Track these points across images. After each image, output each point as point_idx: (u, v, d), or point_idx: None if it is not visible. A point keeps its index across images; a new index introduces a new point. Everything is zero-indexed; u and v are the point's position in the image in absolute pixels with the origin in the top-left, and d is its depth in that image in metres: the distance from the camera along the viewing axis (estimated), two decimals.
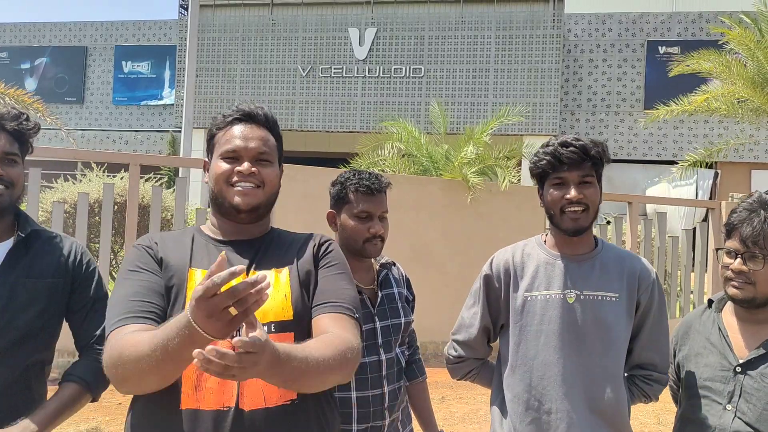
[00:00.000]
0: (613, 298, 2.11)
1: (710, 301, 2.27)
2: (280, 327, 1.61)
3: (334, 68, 20.71)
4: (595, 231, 8.98)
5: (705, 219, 11.24)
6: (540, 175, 2.17)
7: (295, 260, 1.73)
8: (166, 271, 1.65)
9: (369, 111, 20.36)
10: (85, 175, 8.85)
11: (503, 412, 2.20)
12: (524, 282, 2.17)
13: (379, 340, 2.31)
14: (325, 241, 1.82)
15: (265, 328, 1.53)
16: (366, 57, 20.58)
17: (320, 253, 1.78)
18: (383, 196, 2.41)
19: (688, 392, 2.19)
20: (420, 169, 9.36)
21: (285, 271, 1.70)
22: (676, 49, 20.01)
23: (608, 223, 8.90)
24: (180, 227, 5.98)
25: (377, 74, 20.49)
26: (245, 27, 21.28)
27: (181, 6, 21.88)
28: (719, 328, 2.16)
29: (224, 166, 1.71)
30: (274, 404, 1.56)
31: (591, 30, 21.45)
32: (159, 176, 10.25)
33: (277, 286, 1.66)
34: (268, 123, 1.81)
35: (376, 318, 2.33)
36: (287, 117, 20.61)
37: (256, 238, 1.78)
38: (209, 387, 1.54)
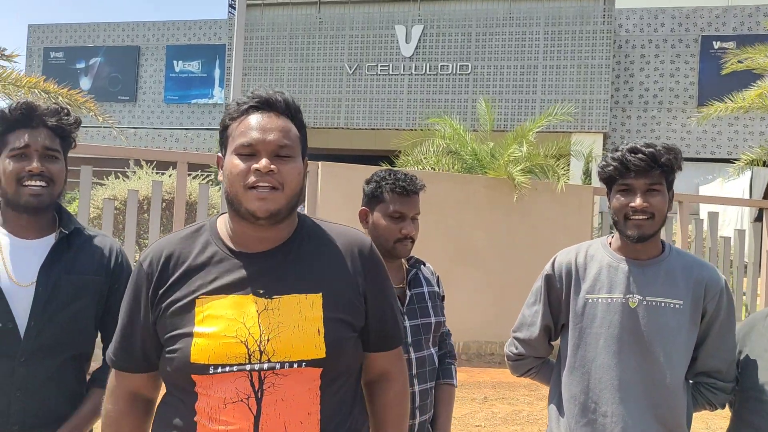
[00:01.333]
0: (677, 306, 2.07)
1: None
2: (310, 364, 1.46)
3: (381, 66, 20.72)
4: None
5: (758, 219, 10.87)
6: (607, 180, 2.13)
7: (332, 282, 1.54)
8: (167, 294, 1.52)
9: (415, 108, 20.32)
10: (134, 172, 9.05)
11: (560, 411, 2.20)
12: (586, 284, 2.15)
13: (409, 339, 2.30)
14: (370, 252, 1.63)
15: (295, 365, 1.44)
16: (412, 54, 20.53)
17: (368, 270, 1.59)
18: (417, 197, 2.39)
19: (744, 395, 2.15)
20: (464, 166, 9.29)
21: (318, 299, 1.50)
22: (731, 44, 19.39)
23: None
24: None
25: (423, 71, 20.43)
26: (293, 26, 21.46)
27: (230, 5, 22.20)
28: None
29: (239, 163, 1.49)
30: None
31: (643, 25, 20.98)
32: (206, 174, 10.41)
33: (308, 317, 1.48)
34: (290, 111, 1.57)
35: (405, 317, 2.32)
36: (333, 115, 20.73)
37: (278, 247, 1.55)
38: (224, 419, 1.43)
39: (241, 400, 1.42)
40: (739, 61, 11.49)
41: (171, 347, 1.48)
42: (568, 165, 10.53)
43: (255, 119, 1.52)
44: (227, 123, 1.57)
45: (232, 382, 1.42)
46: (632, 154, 2.03)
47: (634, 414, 2.05)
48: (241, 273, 1.50)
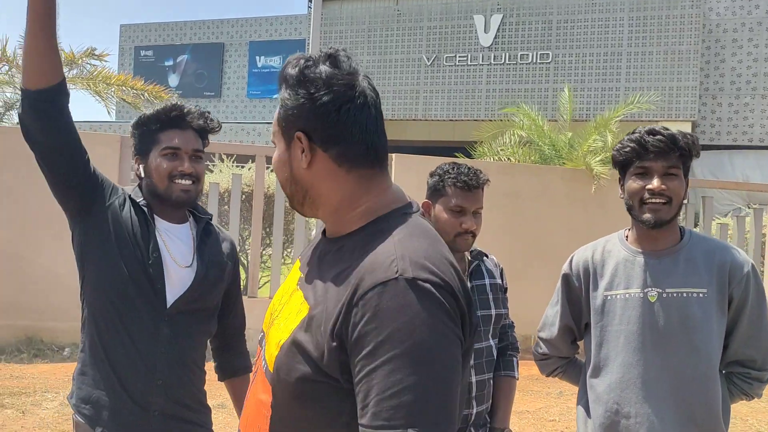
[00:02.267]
0: (701, 294, 1.97)
1: None
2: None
3: (459, 56, 20.58)
4: (733, 223, 8.40)
5: None
6: (622, 164, 2.06)
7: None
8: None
9: (494, 99, 20.08)
10: (216, 165, 9.35)
11: (587, 412, 2.14)
12: (604, 281, 2.09)
13: None
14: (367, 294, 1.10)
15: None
16: (491, 44, 20.28)
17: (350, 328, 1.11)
18: (480, 192, 2.38)
19: None
20: (542, 157, 9.13)
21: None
22: None
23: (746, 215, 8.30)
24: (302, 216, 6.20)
25: (503, 61, 20.15)
26: (371, 18, 21.58)
27: (309, 1, 22.53)
28: None
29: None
30: None
31: (735, 8, 19.97)
32: None
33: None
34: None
35: None
36: (412, 106, 20.75)
37: (347, 234, 1.25)
38: None
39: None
40: None
41: None
42: None
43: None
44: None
45: None
46: (651, 135, 1.97)
47: (661, 413, 1.97)
48: None
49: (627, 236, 2.14)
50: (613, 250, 2.13)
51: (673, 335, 1.98)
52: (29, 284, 6.21)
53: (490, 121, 11.14)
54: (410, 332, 1.04)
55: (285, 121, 1.26)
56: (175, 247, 2.06)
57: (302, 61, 1.29)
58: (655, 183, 1.97)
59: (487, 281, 2.44)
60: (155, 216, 2.06)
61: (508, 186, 7.57)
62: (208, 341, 2.21)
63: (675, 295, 1.99)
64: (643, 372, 2.00)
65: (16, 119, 12.17)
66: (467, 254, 2.47)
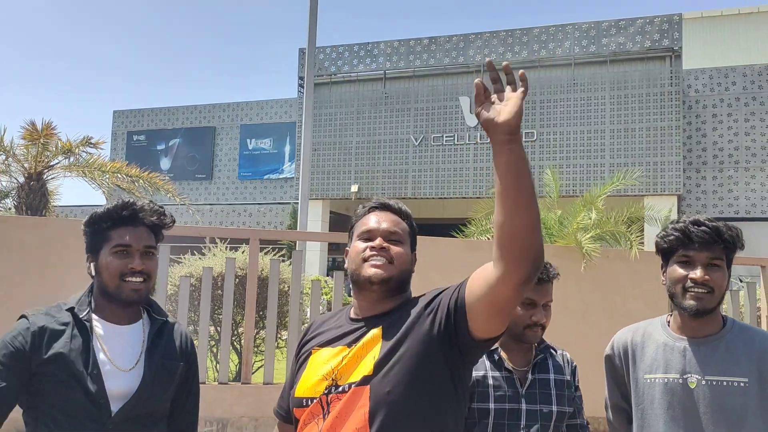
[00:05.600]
0: (742, 384, 1.94)
1: None
2: (360, 383, 1.69)
3: (446, 136, 21.01)
4: (728, 297, 8.41)
5: None
6: (665, 251, 2.08)
7: (409, 335, 1.76)
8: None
9: (482, 177, 20.38)
10: (209, 249, 9.35)
11: None
12: (644, 363, 2.09)
13: (522, 422, 2.27)
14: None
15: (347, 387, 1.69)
16: (477, 124, 20.74)
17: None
18: (550, 285, 2.42)
19: None
20: None
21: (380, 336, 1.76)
22: None
23: (740, 289, 8.32)
24: (296, 299, 6.16)
25: (489, 140, 20.56)
26: (360, 101, 22.10)
27: (299, 86, 23.09)
28: None
29: (360, 245, 1.83)
30: None
31: (713, 84, 20.65)
32: (278, 248, 10.64)
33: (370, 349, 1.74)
34: (401, 212, 1.91)
35: (523, 400, 2.29)
36: (401, 186, 21.00)
37: (386, 312, 1.81)
38: None
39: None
40: None
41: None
42: (642, 230, 10.28)
43: (374, 215, 1.90)
44: (353, 222, 1.93)
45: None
46: (696, 226, 2.00)
47: None
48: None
49: (669, 321, 2.15)
50: (654, 333, 2.12)
51: (713, 424, 1.95)
52: None
53: (480, 198, 11.28)
54: None
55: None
56: (119, 350, 2.01)
57: None
58: (698, 273, 1.98)
59: (551, 376, 2.39)
60: (98, 320, 2.03)
61: None
62: None
63: (715, 383, 1.97)
64: None
65: (10, 206, 12.20)
66: (534, 347, 2.45)
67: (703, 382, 1.97)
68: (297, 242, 10.63)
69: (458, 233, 10.57)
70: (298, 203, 19.06)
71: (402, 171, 21.29)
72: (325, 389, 1.72)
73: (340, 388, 1.69)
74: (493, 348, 2.36)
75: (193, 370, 2.19)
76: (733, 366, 1.97)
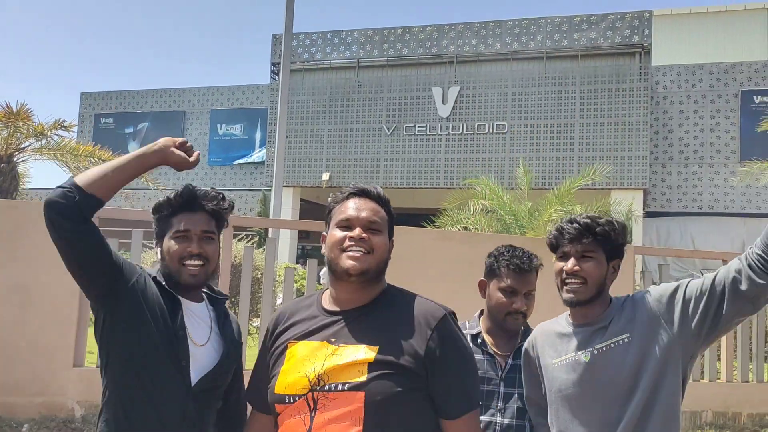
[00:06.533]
0: (625, 339, 2.11)
1: None
2: (353, 387, 1.69)
3: (418, 126, 21.08)
4: None
5: None
6: (551, 248, 2.28)
7: (393, 341, 1.75)
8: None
9: (453, 168, 20.51)
10: None
11: None
12: (548, 351, 2.26)
13: (499, 404, 2.41)
14: (441, 322, 1.80)
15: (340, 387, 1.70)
16: (449, 115, 20.87)
17: (435, 339, 1.77)
18: (532, 274, 2.52)
19: None
20: (503, 226, 9.33)
21: (374, 349, 1.74)
22: None
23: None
24: (269, 286, 6.18)
25: (461, 131, 20.70)
26: (332, 89, 22.05)
27: (272, 72, 22.93)
28: None
29: (338, 234, 1.81)
30: None
31: (680, 81, 21.02)
32: (249, 235, 10.63)
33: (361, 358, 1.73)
34: (380, 199, 1.89)
35: (502, 383, 2.43)
36: (372, 175, 21.03)
37: (365, 305, 1.82)
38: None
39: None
40: None
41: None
42: None
43: (352, 202, 1.86)
44: (331, 207, 1.89)
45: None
46: (569, 224, 2.20)
47: None
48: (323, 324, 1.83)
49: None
50: (556, 325, 2.30)
51: (610, 386, 2.10)
52: None
53: (451, 189, 11.39)
54: None
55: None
56: (193, 325, 2.13)
57: None
58: (569, 264, 2.16)
59: None
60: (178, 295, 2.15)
61: (472, 255, 7.68)
62: None
63: (603, 349, 2.13)
64: (589, 430, 2.12)
65: None
66: (520, 334, 2.56)
67: (595, 352, 2.13)
68: (270, 230, 10.64)
69: (429, 224, 10.67)
70: (269, 190, 19.00)
71: (374, 160, 21.33)
72: (311, 387, 1.72)
73: (327, 387, 1.70)
74: (477, 332, 2.49)
75: (239, 357, 2.34)
76: (616, 331, 2.14)
